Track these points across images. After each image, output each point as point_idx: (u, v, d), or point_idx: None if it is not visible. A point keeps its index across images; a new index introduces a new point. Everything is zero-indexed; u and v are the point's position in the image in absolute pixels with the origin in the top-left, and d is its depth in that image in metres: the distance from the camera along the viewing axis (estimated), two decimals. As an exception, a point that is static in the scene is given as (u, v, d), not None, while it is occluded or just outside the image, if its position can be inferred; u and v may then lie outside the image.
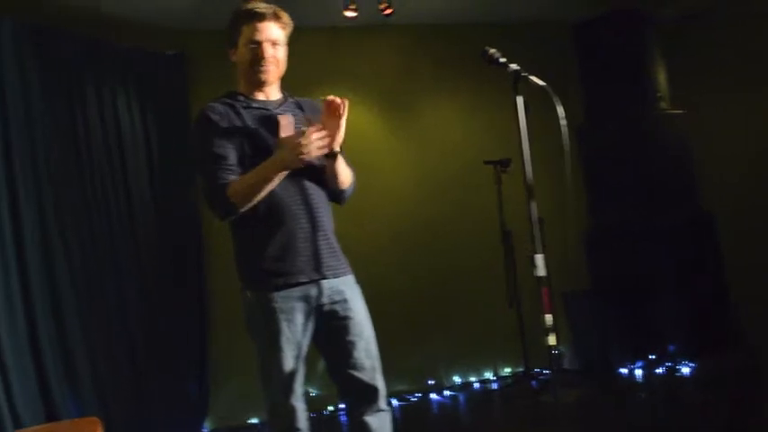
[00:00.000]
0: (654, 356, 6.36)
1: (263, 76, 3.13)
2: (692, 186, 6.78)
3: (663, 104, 6.77)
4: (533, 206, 3.43)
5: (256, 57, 3.10)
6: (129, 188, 5.73)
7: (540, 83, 3.37)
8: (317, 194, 3.13)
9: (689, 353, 6.25)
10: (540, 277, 3.43)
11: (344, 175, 3.20)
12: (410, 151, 7.04)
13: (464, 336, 6.73)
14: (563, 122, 3.41)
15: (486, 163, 6.42)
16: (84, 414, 4.96)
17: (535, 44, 6.45)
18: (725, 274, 6.66)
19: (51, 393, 4.94)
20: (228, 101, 3.11)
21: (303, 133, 2.92)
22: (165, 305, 5.84)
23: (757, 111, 6.73)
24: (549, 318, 3.37)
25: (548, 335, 3.38)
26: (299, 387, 3.01)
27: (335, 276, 3.10)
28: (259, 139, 3.03)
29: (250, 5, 3.12)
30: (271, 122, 3.07)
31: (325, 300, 3.05)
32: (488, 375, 6.97)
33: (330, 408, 6.17)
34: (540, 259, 3.45)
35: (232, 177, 2.93)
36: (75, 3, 5.48)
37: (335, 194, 3.24)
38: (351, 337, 3.09)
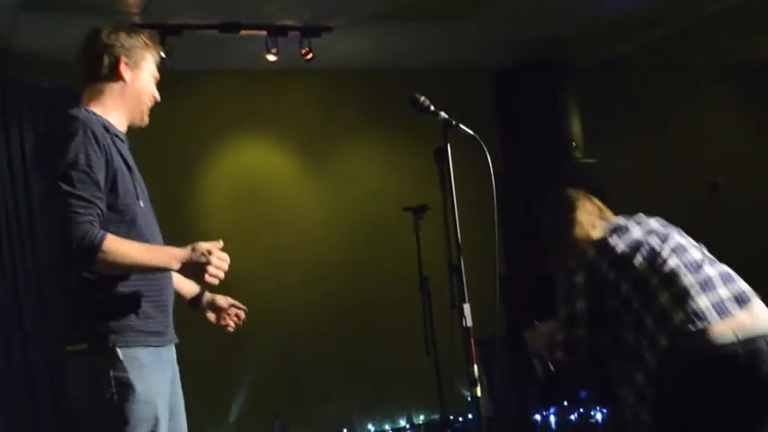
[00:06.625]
0: (566, 403, 6.38)
1: (147, 117, 2.86)
2: (605, 235, 6.84)
3: (578, 154, 6.87)
4: (461, 257, 3.42)
5: (154, 95, 2.85)
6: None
7: (470, 132, 3.37)
8: None
9: (601, 399, 6.30)
10: (469, 327, 3.40)
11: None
12: (326, 196, 6.92)
13: (379, 383, 6.63)
14: (491, 171, 3.42)
15: (405, 209, 6.33)
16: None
17: (456, 91, 6.49)
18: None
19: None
20: (104, 123, 2.67)
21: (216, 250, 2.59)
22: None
23: (669, 158, 6.91)
24: (476, 368, 3.34)
25: (475, 386, 3.33)
26: None
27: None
28: (128, 179, 2.68)
29: (152, 38, 2.86)
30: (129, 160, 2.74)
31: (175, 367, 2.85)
32: (403, 423, 6.87)
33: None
34: (467, 309, 3.42)
35: (101, 228, 2.48)
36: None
37: None
38: (179, 412, 2.85)
